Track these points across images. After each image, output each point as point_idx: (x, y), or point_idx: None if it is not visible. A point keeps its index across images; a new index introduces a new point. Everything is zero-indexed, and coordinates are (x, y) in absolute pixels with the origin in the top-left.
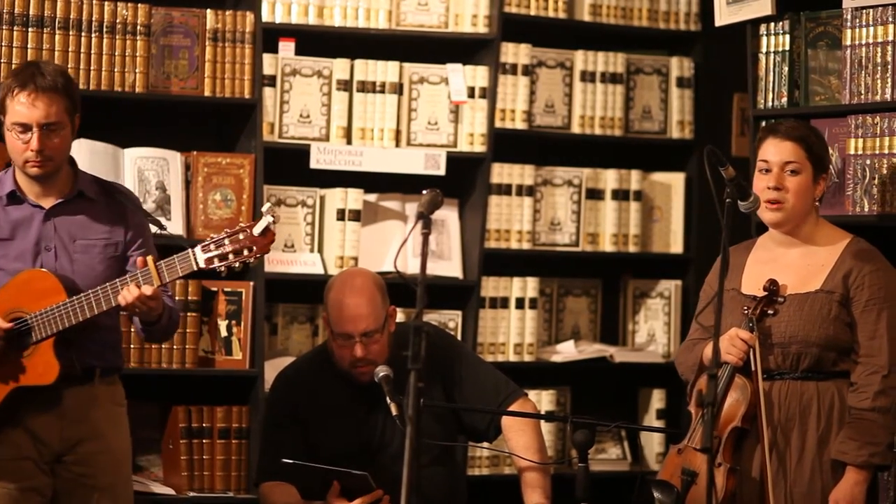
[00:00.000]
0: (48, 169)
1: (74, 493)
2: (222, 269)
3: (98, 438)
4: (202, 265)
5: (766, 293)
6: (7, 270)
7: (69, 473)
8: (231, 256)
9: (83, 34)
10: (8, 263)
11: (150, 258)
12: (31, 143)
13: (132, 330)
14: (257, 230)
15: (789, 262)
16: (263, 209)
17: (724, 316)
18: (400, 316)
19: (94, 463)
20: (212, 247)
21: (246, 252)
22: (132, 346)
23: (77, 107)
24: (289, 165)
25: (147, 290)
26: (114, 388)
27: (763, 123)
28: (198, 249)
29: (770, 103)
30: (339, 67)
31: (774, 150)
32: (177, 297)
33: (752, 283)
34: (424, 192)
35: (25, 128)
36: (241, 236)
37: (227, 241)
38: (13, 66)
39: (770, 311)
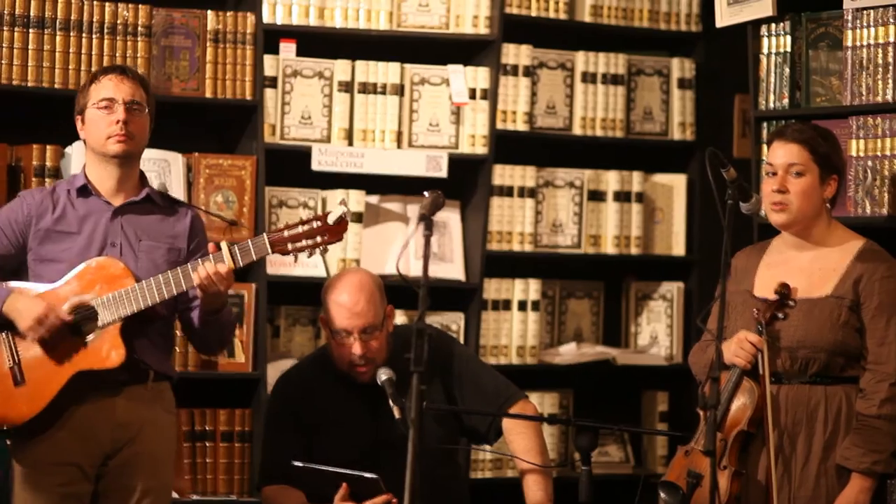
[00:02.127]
0: (130, 147)
1: (116, 496)
2: (293, 254)
3: (144, 442)
4: (276, 251)
5: (777, 297)
6: (69, 265)
7: (113, 475)
8: (304, 241)
9: (84, 35)
10: (70, 258)
11: (223, 243)
12: (117, 114)
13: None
14: (331, 219)
15: (801, 266)
16: (337, 200)
17: (735, 317)
18: (402, 318)
19: (137, 466)
20: (285, 233)
21: (319, 238)
22: None
23: (153, 104)
24: (290, 167)
25: (222, 268)
26: (165, 395)
27: (764, 124)
28: (271, 234)
29: (771, 104)
30: (340, 69)
31: (779, 153)
32: None
33: (765, 286)
34: (426, 193)
35: (111, 102)
36: (315, 224)
37: (300, 228)
38: (14, 67)
39: (780, 315)
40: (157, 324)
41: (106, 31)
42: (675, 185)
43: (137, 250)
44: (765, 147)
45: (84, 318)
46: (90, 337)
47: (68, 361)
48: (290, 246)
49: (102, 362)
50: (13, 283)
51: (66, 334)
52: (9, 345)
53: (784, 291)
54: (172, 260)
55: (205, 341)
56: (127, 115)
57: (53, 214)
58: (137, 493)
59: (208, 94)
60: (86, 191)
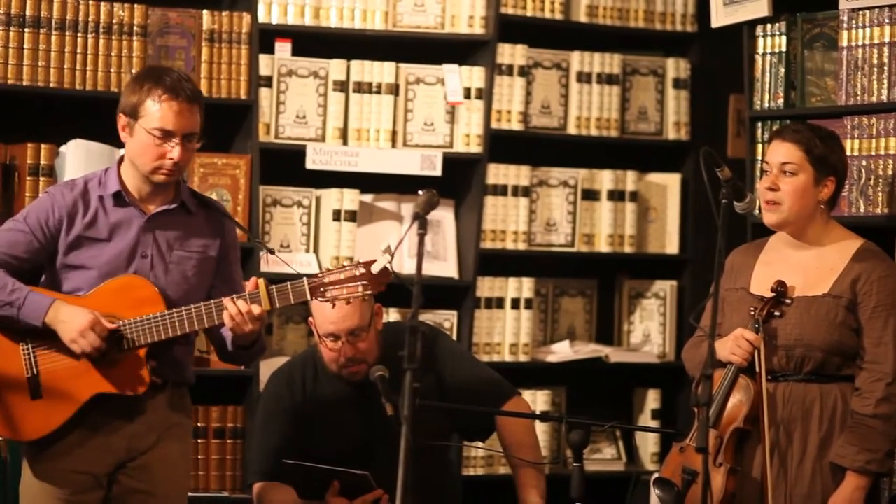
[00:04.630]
0: (176, 178)
1: (129, 501)
2: (332, 301)
3: (161, 448)
4: (315, 296)
5: (773, 294)
6: (97, 272)
7: (127, 479)
8: (345, 291)
9: (79, 35)
10: (100, 265)
11: (261, 281)
12: (173, 153)
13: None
14: (376, 268)
15: (798, 264)
16: (382, 248)
17: (731, 314)
18: (396, 316)
19: (152, 471)
20: (326, 280)
21: (361, 288)
22: None
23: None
24: (285, 166)
25: (256, 309)
26: (182, 401)
27: (759, 125)
28: (313, 280)
29: (766, 104)
30: (335, 68)
31: (774, 152)
32: None
33: (761, 284)
34: (420, 192)
35: (168, 135)
36: (357, 272)
37: (342, 275)
38: (9, 66)
39: (777, 313)
40: (178, 341)
41: (101, 30)
42: (669, 184)
43: (168, 261)
44: (759, 147)
45: (111, 339)
46: (115, 359)
47: (89, 381)
48: (329, 293)
49: (125, 388)
50: (38, 289)
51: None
52: (29, 357)
53: (780, 289)
54: (202, 270)
55: (230, 361)
56: (182, 152)
57: (84, 219)
58: (152, 497)
59: (203, 94)
60: (120, 198)
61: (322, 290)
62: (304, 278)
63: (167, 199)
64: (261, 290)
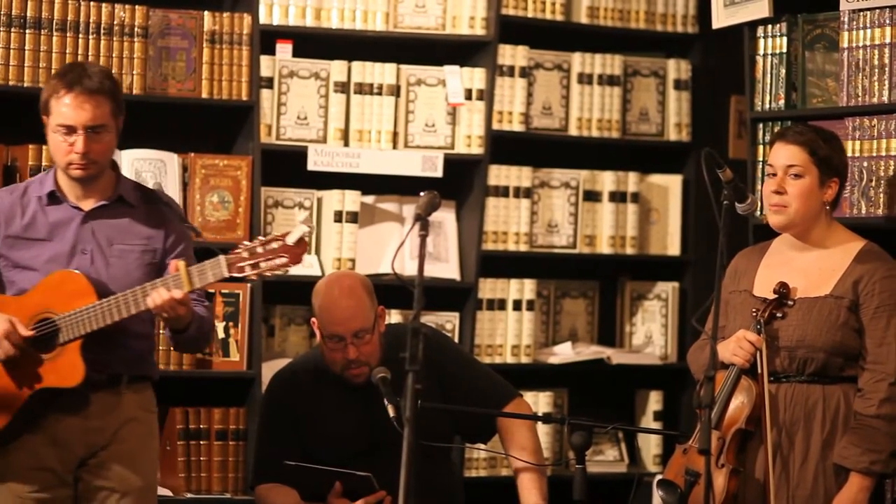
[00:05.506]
0: (91, 172)
1: (96, 498)
2: (253, 276)
3: (121, 443)
4: (233, 272)
5: (775, 296)
6: (40, 272)
7: (91, 477)
8: (262, 265)
9: (80, 36)
10: (42, 265)
11: (181, 263)
12: (76, 146)
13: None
14: (291, 239)
15: (800, 266)
16: (300, 219)
17: (733, 317)
18: (397, 318)
19: (116, 468)
20: (244, 254)
21: (278, 261)
22: None
23: (121, 109)
24: (286, 167)
25: (177, 293)
26: (142, 395)
27: (760, 126)
28: (230, 256)
29: (767, 105)
30: (336, 69)
31: (779, 154)
32: None
33: (764, 286)
34: (422, 193)
35: (70, 130)
36: (274, 245)
37: (259, 249)
38: (11, 68)
39: (779, 315)
40: (130, 329)
41: (103, 31)
42: (670, 185)
43: (109, 256)
44: (760, 148)
45: (46, 335)
46: (51, 354)
47: (29, 378)
48: (248, 268)
49: (61, 381)
50: None
51: (29, 350)
52: None
53: (783, 291)
54: (147, 262)
55: (179, 349)
56: (87, 143)
57: (23, 220)
58: (117, 493)
59: (205, 95)
60: (55, 197)
61: (240, 265)
62: (221, 256)
63: (104, 195)
64: (181, 272)
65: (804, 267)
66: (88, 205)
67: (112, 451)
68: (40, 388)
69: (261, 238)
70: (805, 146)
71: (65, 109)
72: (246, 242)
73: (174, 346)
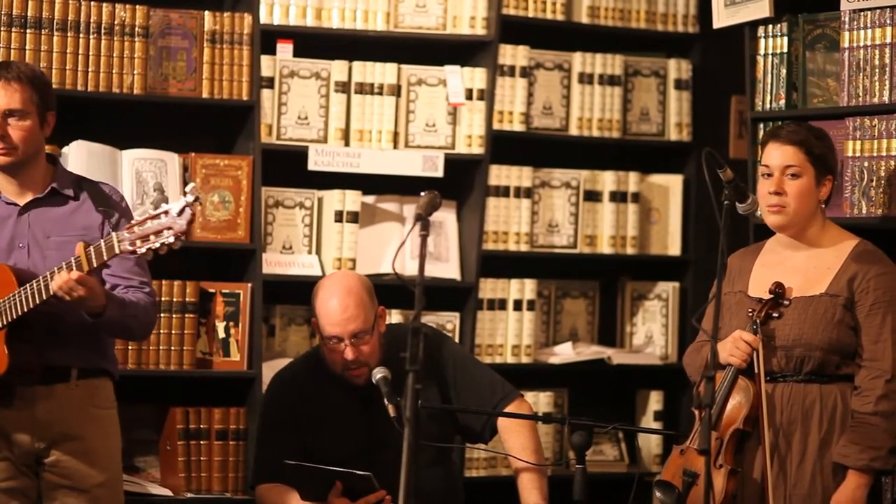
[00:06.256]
0: (12, 158)
1: (55, 495)
2: (144, 251)
3: (75, 440)
4: (126, 248)
5: (771, 296)
6: None
7: (49, 475)
8: (152, 238)
9: (81, 35)
10: None
11: (80, 244)
12: None
13: None
14: (174, 210)
15: (795, 265)
16: (188, 188)
17: (730, 318)
18: (398, 317)
19: (72, 465)
20: (135, 229)
21: (166, 234)
22: (129, 347)
23: (48, 104)
24: (287, 167)
25: (74, 273)
26: (94, 391)
27: (761, 126)
28: (122, 233)
29: (768, 105)
30: (337, 69)
31: (775, 155)
32: (175, 299)
33: (759, 286)
34: (422, 193)
35: None
36: (162, 218)
37: (149, 224)
38: None
39: (775, 314)
40: (75, 320)
41: (103, 31)
42: (671, 185)
43: (45, 248)
44: (761, 148)
45: None
46: None
47: None
48: (139, 244)
49: None
50: None
51: None
52: None
53: (778, 290)
54: None
55: (108, 334)
56: (3, 129)
57: None
58: (76, 490)
59: (205, 95)
60: None
61: (130, 242)
62: (114, 233)
63: (40, 188)
64: (80, 253)
65: (799, 266)
66: (24, 199)
67: (67, 448)
68: None
69: (150, 212)
70: (801, 146)
71: None
72: (137, 217)
73: (103, 333)
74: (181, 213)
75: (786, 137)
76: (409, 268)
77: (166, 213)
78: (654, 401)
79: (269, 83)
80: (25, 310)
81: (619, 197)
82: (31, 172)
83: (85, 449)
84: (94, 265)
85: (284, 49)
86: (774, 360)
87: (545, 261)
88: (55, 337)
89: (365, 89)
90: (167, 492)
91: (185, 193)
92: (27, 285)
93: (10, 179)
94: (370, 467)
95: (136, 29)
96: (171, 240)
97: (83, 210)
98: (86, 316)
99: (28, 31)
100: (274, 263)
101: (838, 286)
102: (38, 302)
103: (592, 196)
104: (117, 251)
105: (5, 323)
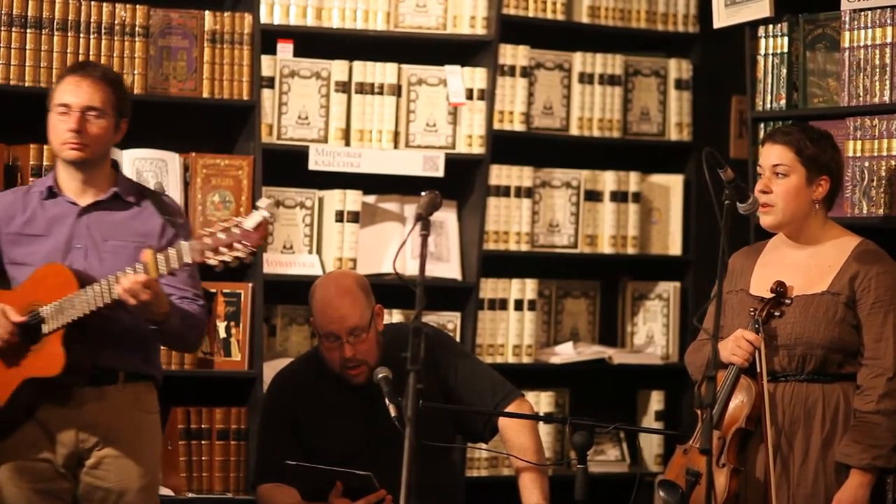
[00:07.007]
0: (85, 155)
1: (93, 498)
2: (215, 262)
3: (117, 443)
4: (196, 258)
5: (773, 295)
6: (36, 266)
7: (88, 477)
8: (224, 250)
9: (82, 35)
10: (38, 261)
11: (148, 251)
12: (70, 123)
13: None
14: (249, 224)
15: (796, 264)
16: (260, 202)
17: (731, 317)
18: (399, 317)
19: (113, 468)
20: (206, 240)
21: (238, 246)
22: None
23: (123, 111)
24: (287, 167)
25: (141, 276)
26: (139, 395)
27: (762, 126)
28: (193, 241)
29: (768, 105)
30: (337, 69)
31: (766, 154)
32: None
33: (761, 285)
34: (423, 193)
35: (67, 108)
36: (234, 230)
37: (221, 236)
38: (12, 67)
39: (776, 313)
40: (126, 324)
41: (104, 31)
42: (671, 185)
43: (102, 251)
44: (760, 149)
45: (32, 326)
46: (37, 345)
47: (16, 368)
48: (209, 254)
49: (42, 371)
50: None
51: (21, 340)
52: None
53: (780, 289)
54: None
55: (167, 344)
56: (81, 123)
57: (23, 217)
58: (114, 493)
59: (205, 95)
60: (53, 193)
61: (202, 251)
62: (184, 242)
63: (101, 190)
64: (148, 259)
65: (800, 265)
66: (85, 200)
67: (108, 452)
68: (27, 378)
69: (221, 224)
70: (790, 145)
71: (65, 87)
72: (208, 229)
73: (162, 343)
74: (257, 227)
75: (778, 138)
76: (410, 268)
77: (237, 225)
78: (656, 401)
79: (270, 83)
80: (88, 312)
81: (619, 197)
82: (95, 174)
83: (127, 452)
84: (163, 272)
85: (285, 49)
86: (776, 360)
87: (546, 261)
88: (105, 339)
89: (365, 89)
90: (168, 492)
91: (255, 207)
92: (89, 287)
93: (75, 176)
94: (371, 467)
95: (137, 29)
96: (243, 254)
97: (143, 217)
98: (145, 323)
99: (28, 31)
100: (275, 263)
101: (840, 284)
102: (102, 304)
103: (593, 196)
104: (188, 260)
105: (66, 323)
